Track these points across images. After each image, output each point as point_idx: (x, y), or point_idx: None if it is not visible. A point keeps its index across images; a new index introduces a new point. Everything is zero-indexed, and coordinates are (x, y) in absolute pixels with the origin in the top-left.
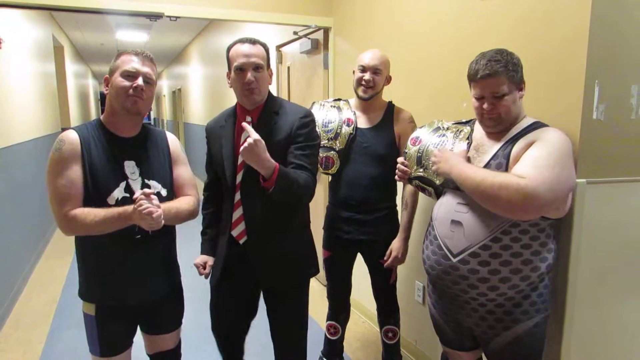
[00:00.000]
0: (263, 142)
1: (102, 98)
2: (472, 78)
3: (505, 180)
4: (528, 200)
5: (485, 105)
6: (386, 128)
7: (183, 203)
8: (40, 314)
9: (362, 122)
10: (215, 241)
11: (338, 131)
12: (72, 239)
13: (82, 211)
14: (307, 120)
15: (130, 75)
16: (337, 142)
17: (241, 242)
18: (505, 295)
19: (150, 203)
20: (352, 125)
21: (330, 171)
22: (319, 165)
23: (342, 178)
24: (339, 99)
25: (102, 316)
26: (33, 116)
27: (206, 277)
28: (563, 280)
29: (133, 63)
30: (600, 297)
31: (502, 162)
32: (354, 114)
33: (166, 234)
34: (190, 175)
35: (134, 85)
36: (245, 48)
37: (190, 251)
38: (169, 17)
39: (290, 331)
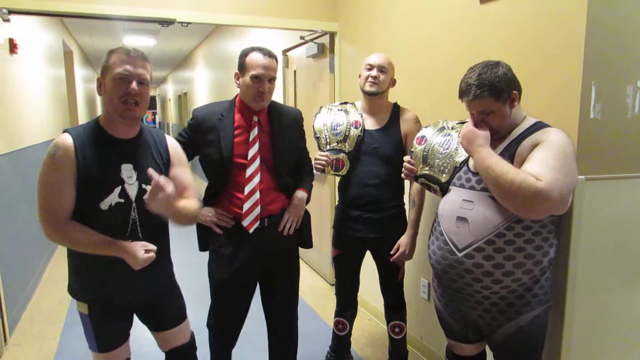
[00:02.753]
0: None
1: None
2: (460, 98)
3: (525, 181)
4: (542, 203)
5: (475, 121)
6: (393, 129)
7: (189, 204)
8: (53, 311)
9: (370, 124)
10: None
11: (347, 134)
12: None
13: (74, 228)
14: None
15: (123, 79)
16: (347, 144)
17: (251, 230)
18: (508, 288)
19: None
20: (360, 127)
21: (340, 172)
22: (329, 167)
23: (351, 178)
24: (346, 103)
25: (96, 314)
26: (45, 119)
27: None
28: (563, 273)
29: (125, 65)
30: (599, 289)
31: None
32: (361, 116)
33: (158, 237)
34: (191, 180)
35: (128, 90)
36: (266, 61)
37: (189, 250)
38: (181, 23)
39: (287, 302)
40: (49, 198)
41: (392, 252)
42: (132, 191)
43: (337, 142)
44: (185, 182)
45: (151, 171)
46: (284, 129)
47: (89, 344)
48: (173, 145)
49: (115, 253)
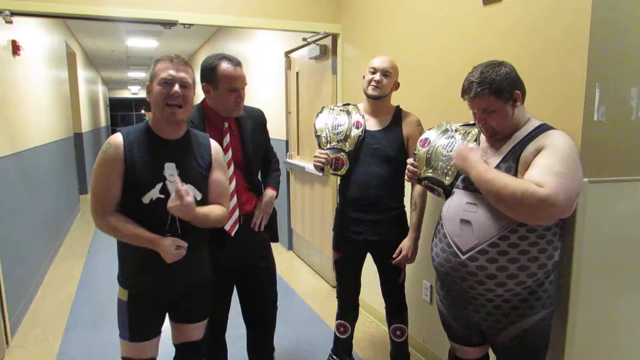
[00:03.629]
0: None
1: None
2: (462, 96)
3: (528, 191)
4: (548, 209)
5: (477, 120)
6: (395, 130)
7: (215, 210)
8: (55, 313)
9: (371, 125)
10: None
11: (347, 133)
12: (86, 240)
13: (118, 219)
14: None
15: (167, 83)
16: (347, 144)
17: (233, 233)
18: (512, 291)
19: (187, 196)
20: (361, 128)
21: (339, 172)
22: (328, 166)
23: (351, 179)
24: (348, 104)
25: (134, 303)
26: (48, 121)
27: None
28: (567, 276)
29: (169, 70)
30: (602, 293)
31: (512, 166)
32: (363, 117)
33: (197, 233)
34: (227, 186)
35: (171, 93)
36: (238, 72)
37: None
38: (183, 24)
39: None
40: (98, 190)
41: (394, 256)
42: (173, 188)
43: (338, 142)
44: (220, 188)
45: (177, 179)
46: (251, 132)
47: (120, 332)
48: (216, 149)
49: (150, 245)
